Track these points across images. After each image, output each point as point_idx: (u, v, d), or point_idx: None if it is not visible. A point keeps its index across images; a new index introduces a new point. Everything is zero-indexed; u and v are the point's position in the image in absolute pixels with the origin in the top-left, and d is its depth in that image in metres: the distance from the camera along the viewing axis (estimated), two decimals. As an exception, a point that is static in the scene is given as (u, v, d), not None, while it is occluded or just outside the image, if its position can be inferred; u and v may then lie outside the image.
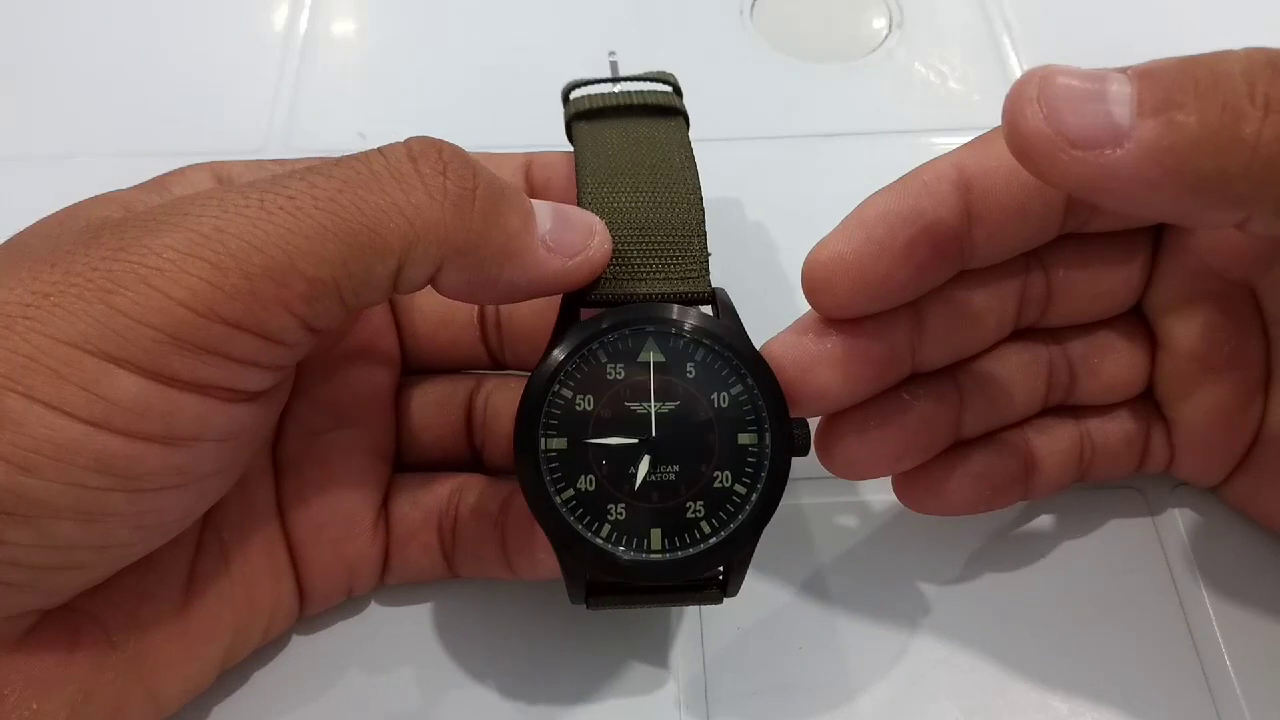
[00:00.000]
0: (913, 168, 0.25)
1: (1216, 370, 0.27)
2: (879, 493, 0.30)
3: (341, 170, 0.21)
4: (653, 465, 0.23)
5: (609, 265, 0.24)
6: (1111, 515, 0.30)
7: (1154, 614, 0.28)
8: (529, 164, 0.28)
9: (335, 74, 0.41)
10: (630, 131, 0.27)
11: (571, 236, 0.23)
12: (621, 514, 0.23)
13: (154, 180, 0.25)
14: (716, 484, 0.23)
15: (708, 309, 0.24)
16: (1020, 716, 0.26)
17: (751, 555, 0.24)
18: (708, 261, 0.25)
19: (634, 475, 0.23)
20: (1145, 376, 0.28)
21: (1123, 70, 0.19)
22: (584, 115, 0.28)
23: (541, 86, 0.39)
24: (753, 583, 0.29)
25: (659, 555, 0.23)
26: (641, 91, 0.28)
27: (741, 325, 0.24)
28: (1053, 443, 0.28)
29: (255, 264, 0.20)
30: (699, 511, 0.23)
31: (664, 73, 0.29)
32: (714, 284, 0.25)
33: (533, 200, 0.24)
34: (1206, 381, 0.27)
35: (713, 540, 0.23)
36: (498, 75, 0.40)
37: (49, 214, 0.23)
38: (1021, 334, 0.27)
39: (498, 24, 0.42)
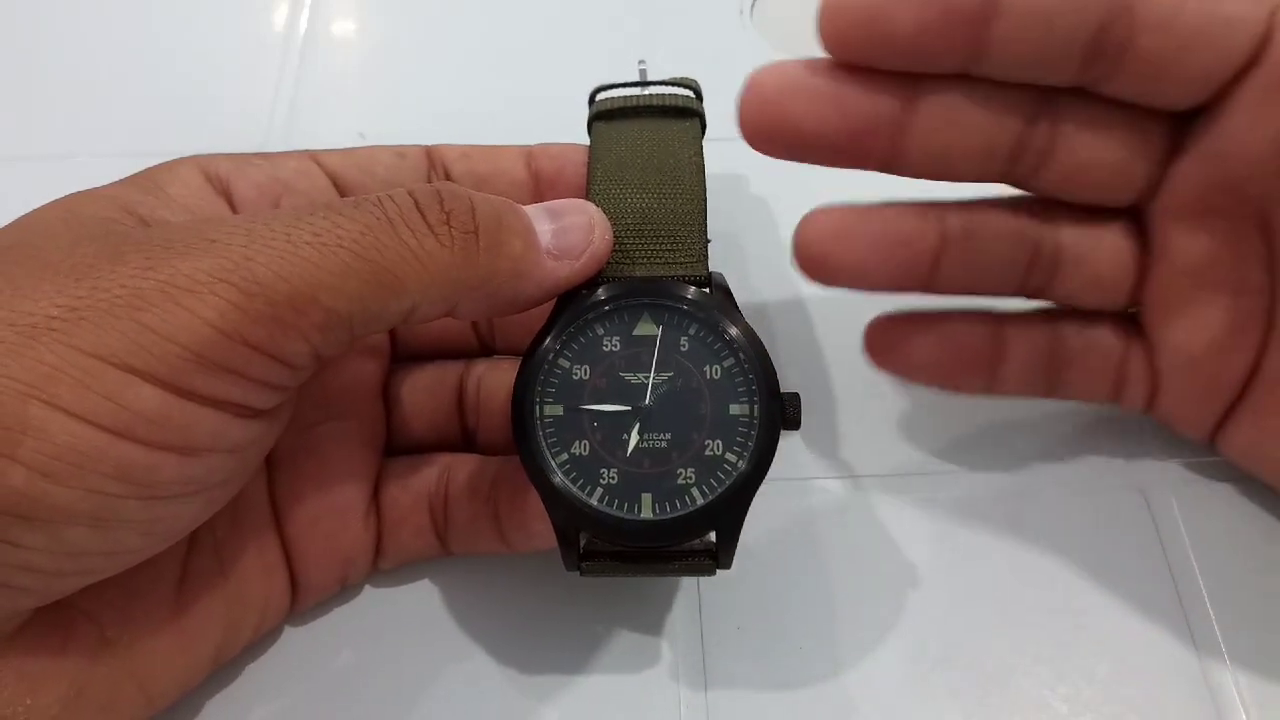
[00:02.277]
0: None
1: (1211, 289, 0.26)
2: (879, 493, 0.30)
3: (362, 214, 0.22)
4: (644, 432, 0.24)
5: (612, 251, 0.25)
6: (1111, 515, 0.30)
7: (1154, 613, 0.28)
8: (530, 155, 0.29)
9: (335, 74, 0.41)
10: (644, 130, 0.28)
11: (573, 239, 0.24)
12: (614, 479, 0.23)
13: (144, 175, 0.25)
14: (708, 452, 0.24)
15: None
16: (1020, 716, 0.26)
17: (741, 525, 0.24)
18: (706, 248, 0.26)
19: (626, 442, 0.23)
20: (1132, 282, 0.28)
21: None
22: (604, 115, 0.29)
23: (541, 86, 0.39)
24: (753, 582, 0.29)
25: (650, 518, 0.23)
26: (660, 94, 0.29)
27: (735, 304, 0.25)
28: (1026, 333, 0.28)
29: (280, 292, 0.20)
30: (689, 478, 0.23)
31: (687, 79, 0.30)
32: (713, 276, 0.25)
33: (529, 208, 0.24)
34: (1199, 300, 0.27)
35: (702, 504, 0.23)
36: (498, 75, 0.40)
37: (39, 208, 0.23)
38: (1014, 204, 0.27)
39: (497, 24, 0.42)
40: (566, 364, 0.24)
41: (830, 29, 0.25)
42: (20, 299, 0.20)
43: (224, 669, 0.26)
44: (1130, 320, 0.29)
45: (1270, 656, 0.27)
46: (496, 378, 0.29)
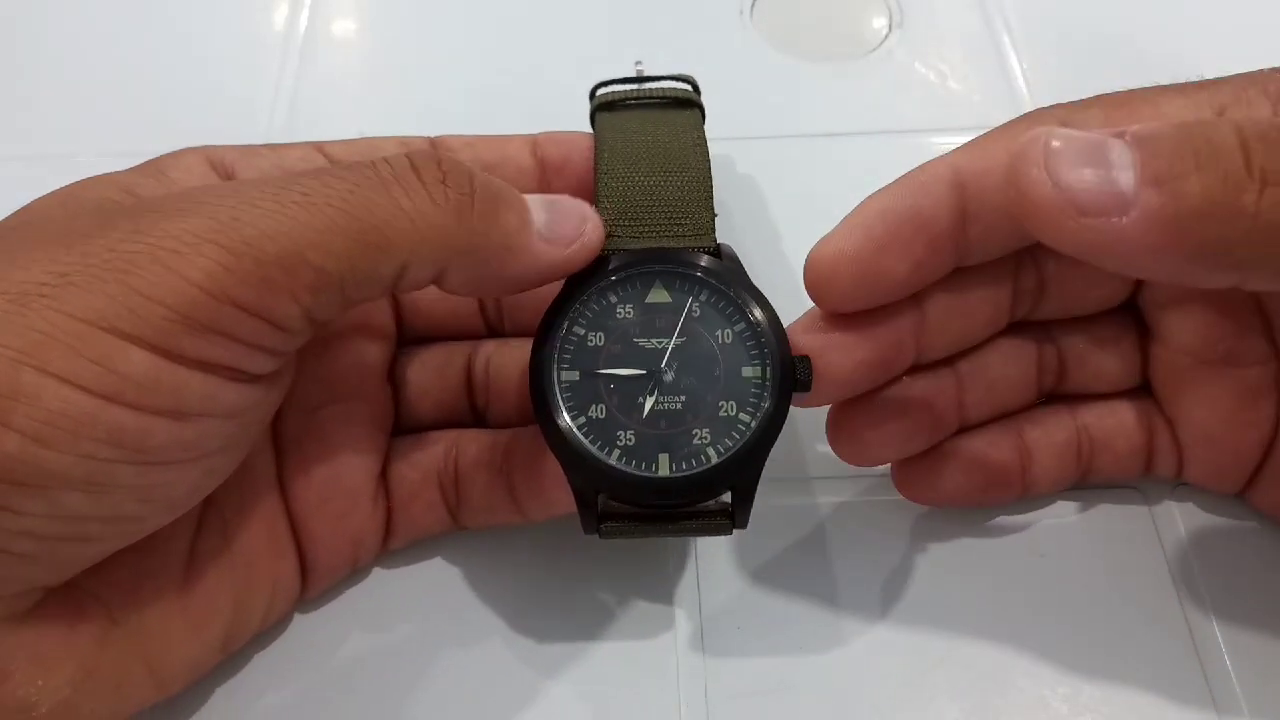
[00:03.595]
0: (912, 167, 0.25)
1: (1212, 366, 0.27)
2: (880, 493, 0.30)
3: (352, 174, 0.22)
4: (660, 395, 0.24)
5: (621, 226, 0.26)
6: (1111, 515, 0.30)
7: (1154, 614, 0.28)
8: (535, 143, 0.29)
9: (335, 74, 0.41)
10: (647, 118, 0.29)
11: (566, 227, 0.24)
12: (631, 440, 0.24)
13: (150, 163, 0.26)
14: (722, 413, 0.24)
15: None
16: (1020, 716, 0.26)
17: (755, 485, 0.25)
18: (714, 221, 0.26)
19: (642, 404, 0.24)
20: (1138, 368, 0.28)
21: (1119, 134, 0.20)
22: (606, 107, 0.29)
23: (541, 86, 0.39)
24: (754, 581, 0.29)
25: (667, 475, 0.24)
26: (660, 88, 0.30)
27: (745, 271, 0.25)
28: (1048, 434, 0.28)
29: (268, 252, 0.20)
30: (705, 438, 0.24)
31: (684, 75, 0.30)
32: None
33: (526, 196, 0.24)
34: (1203, 377, 0.27)
35: (718, 462, 0.24)
36: (497, 75, 0.40)
37: (41, 196, 0.24)
38: (1016, 326, 0.28)
39: (497, 23, 0.42)
40: (582, 331, 0.25)
41: (827, 291, 0.25)
42: (13, 269, 0.20)
43: (233, 657, 0.27)
44: (1148, 395, 0.29)
45: (1270, 657, 0.27)
46: (508, 355, 0.29)
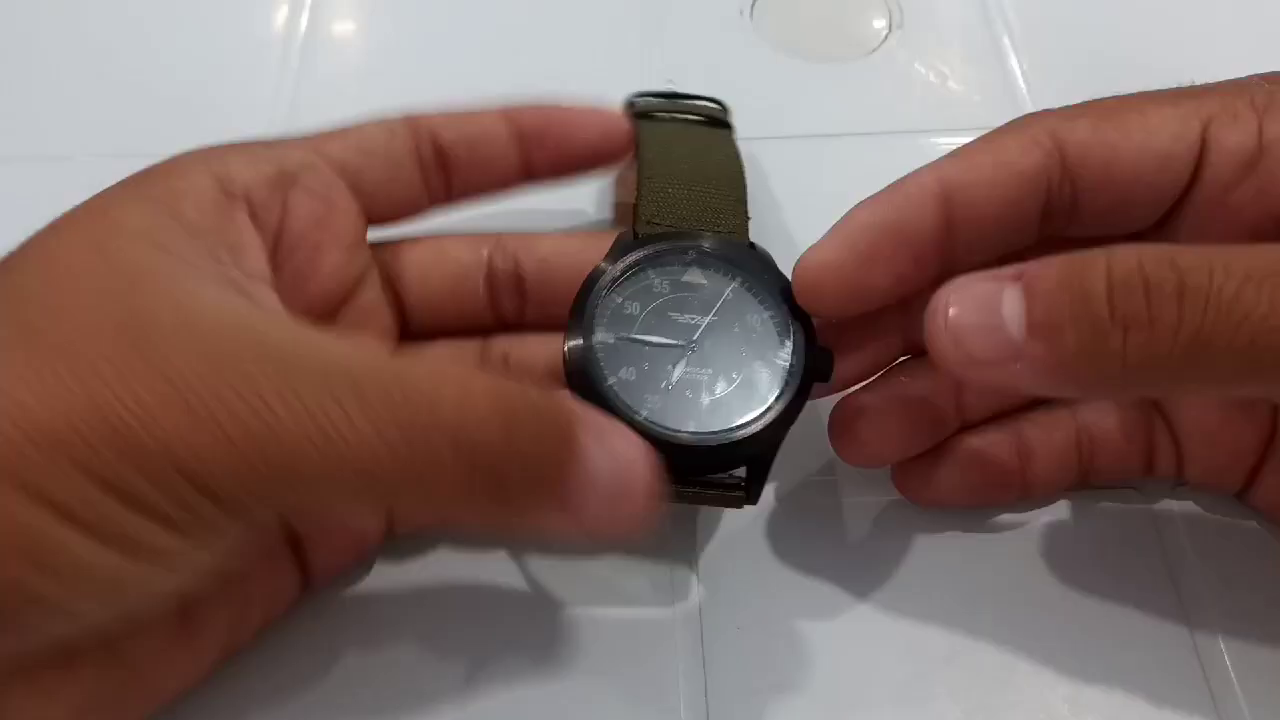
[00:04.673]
0: (910, 169, 0.25)
1: None
2: (880, 493, 0.30)
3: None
4: (688, 365, 0.25)
5: (662, 219, 0.27)
6: (1111, 515, 0.30)
7: (1154, 614, 0.28)
8: (507, 110, 0.29)
9: (335, 74, 0.41)
10: (686, 129, 0.31)
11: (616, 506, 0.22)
12: (657, 404, 0.25)
13: (159, 178, 0.25)
14: (746, 390, 0.25)
15: None
16: (1021, 716, 0.26)
17: (770, 465, 0.26)
18: (748, 223, 0.28)
19: (671, 372, 0.25)
20: None
21: (1018, 275, 0.21)
22: (645, 115, 0.31)
23: (542, 87, 0.39)
24: (753, 582, 0.29)
25: (689, 441, 0.25)
26: (696, 106, 0.32)
27: (775, 263, 0.27)
28: (1047, 434, 0.28)
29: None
30: (728, 411, 0.25)
31: (715, 98, 0.33)
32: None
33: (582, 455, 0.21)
34: None
35: (738, 436, 0.25)
36: (497, 75, 0.40)
37: (71, 243, 0.22)
38: None
39: (497, 25, 0.42)
40: (619, 300, 0.26)
41: (813, 300, 0.26)
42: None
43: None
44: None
45: (1271, 657, 0.27)
46: (529, 350, 0.29)
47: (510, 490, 0.21)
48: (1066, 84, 0.39)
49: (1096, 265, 0.21)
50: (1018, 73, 0.40)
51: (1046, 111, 0.26)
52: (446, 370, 0.21)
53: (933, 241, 0.25)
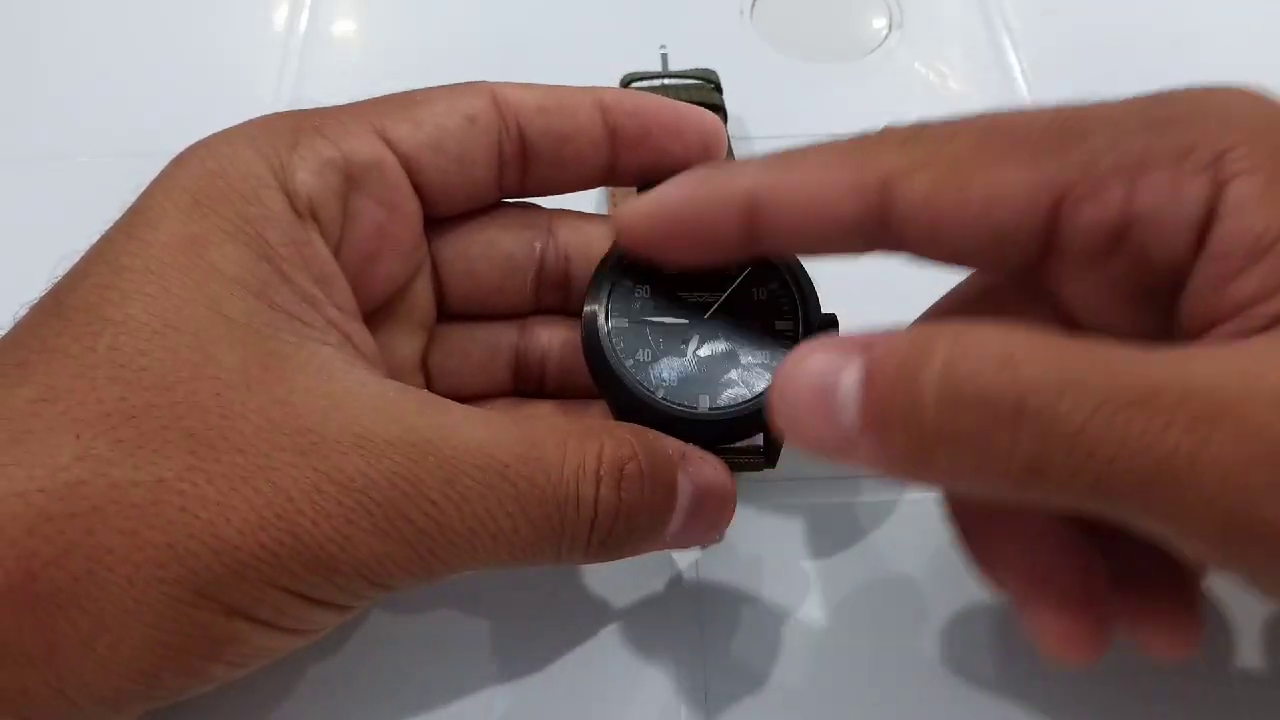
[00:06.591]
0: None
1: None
2: (880, 494, 0.30)
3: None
4: (701, 342, 0.26)
5: None
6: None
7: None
8: (605, 108, 0.26)
9: (335, 74, 0.41)
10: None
11: (693, 537, 0.25)
12: (673, 381, 0.26)
13: (227, 199, 0.23)
14: (756, 361, 0.26)
15: None
16: (1022, 716, 0.26)
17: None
18: None
19: (684, 349, 0.26)
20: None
21: (867, 349, 0.19)
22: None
23: (541, 86, 0.39)
24: (753, 581, 0.29)
25: (706, 415, 0.25)
26: (688, 87, 0.32)
27: None
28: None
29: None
30: (740, 383, 0.26)
31: (708, 70, 0.33)
32: None
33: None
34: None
35: (753, 407, 0.25)
36: (497, 76, 0.40)
37: (180, 297, 0.22)
38: None
39: (498, 24, 0.42)
40: (630, 283, 0.26)
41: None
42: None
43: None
44: None
45: (1270, 657, 0.27)
46: (561, 335, 0.28)
47: (620, 546, 0.23)
48: (1066, 84, 0.39)
49: (931, 363, 0.18)
50: (1017, 72, 0.40)
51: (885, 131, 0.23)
52: (571, 446, 0.23)
53: (735, 241, 0.23)
